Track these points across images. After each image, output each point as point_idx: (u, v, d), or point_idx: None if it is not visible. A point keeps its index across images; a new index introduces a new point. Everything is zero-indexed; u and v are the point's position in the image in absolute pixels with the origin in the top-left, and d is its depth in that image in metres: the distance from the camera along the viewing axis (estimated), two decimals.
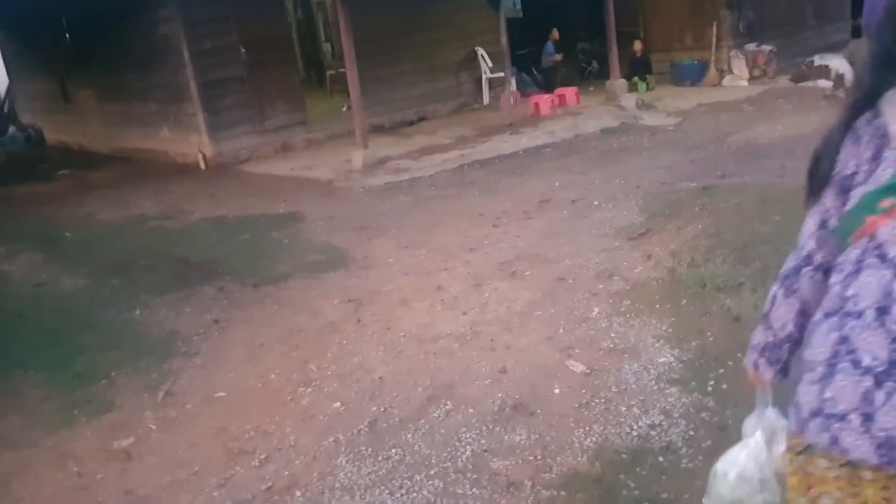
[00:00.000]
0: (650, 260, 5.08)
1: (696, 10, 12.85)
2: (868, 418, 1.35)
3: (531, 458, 3.12)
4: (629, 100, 11.29)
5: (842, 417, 1.38)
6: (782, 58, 12.47)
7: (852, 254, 1.43)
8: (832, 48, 12.40)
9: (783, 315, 1.67)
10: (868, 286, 1.39)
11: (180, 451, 3.53)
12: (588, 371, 3.75)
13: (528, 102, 11.49)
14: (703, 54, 12.77)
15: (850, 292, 1.42)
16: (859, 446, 1.36)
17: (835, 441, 1.39)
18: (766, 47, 12.43)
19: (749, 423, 1.93)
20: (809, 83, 11.39)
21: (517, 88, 12.29)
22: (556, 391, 3.62)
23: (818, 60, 11.56)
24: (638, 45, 12.81)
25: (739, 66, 12.46)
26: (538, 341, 4.17)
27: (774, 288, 1.69)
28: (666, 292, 4.54)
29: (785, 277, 1.67)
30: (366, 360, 4.19)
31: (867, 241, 1.40)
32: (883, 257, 1.38)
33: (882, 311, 1.36)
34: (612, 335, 4.11)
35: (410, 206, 7.44)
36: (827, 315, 1.47)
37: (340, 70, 11.78)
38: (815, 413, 1.43)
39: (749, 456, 1.88)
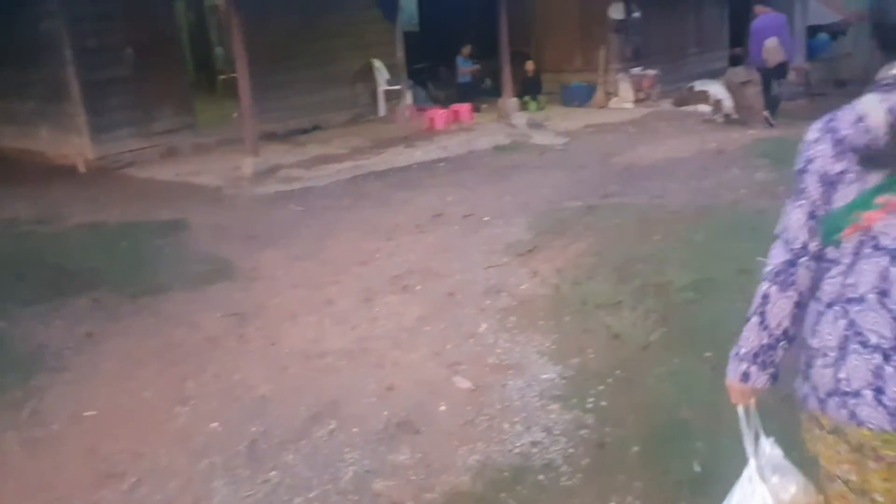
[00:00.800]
0: (536, 276, 5.18)
1: (586, 34, 13.29)
2: (880, 391, 1.52)
3: (414, 477, 3.10)
4: (520, 118, 11.53)
5: (856, 394, 1.54)
6: (666, 82, 13.08)
7: (847, 247, 1.57)
8: (712, 74, 13.10)
9: (781, 310, 1.67)
10: (866, 273, 1.54)
11: (44, 474, 3.32)
12: (474, 388, 3.78)
13: (424, 116, 11.56)
14: (592, 76, 13.22)
15: (849, 280, 1.56)
16: (874, 417, 1.53)
17: (853, 415, 1.55)
18: (651, 72, 13.01)
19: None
20: (690, 107, 11.99)
21: (413, 102, 12.34)
22: (442, 408, 3.63)
23: (698, 86, 12.20)
24: (530, 66, 13.11)
25: (625, 89, 12.96)
26: (426, 357, 4.18)
27: (765, 286, 1.69)
28: (550, 309, 4.65)
29: (777, 273, 1.67)
30: (247, 377, 4.07)
31: (861, 235, 1.55)
32: (877, 246, 1.53)
33: (882, 294, 1.53)
34: (498, 351, 4.17)
35: (302, 216, 7.31)
36: (830, 304, 1.60)
37: (233, 75, 11.47)
38: (832, 393, 1.58)
39: (743, 495, 1.83)
